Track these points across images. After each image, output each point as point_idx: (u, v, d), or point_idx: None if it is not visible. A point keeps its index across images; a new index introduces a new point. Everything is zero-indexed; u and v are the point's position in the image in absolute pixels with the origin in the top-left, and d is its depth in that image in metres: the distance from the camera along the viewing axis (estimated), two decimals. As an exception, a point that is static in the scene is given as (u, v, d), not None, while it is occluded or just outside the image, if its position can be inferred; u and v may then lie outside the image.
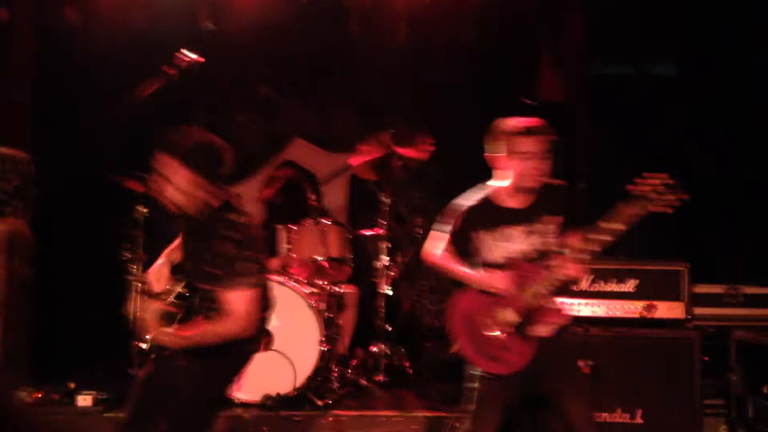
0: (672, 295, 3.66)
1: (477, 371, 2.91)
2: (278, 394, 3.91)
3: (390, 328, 4.74)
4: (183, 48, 2.25)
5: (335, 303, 4.52)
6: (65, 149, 5.05)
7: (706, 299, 3.94)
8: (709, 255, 4.60)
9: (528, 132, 2.88)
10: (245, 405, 3.89)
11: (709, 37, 4.95)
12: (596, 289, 3.60)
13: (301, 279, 4.36)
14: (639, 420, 3.48)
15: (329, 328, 4.33)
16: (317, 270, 4.59)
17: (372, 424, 3.87)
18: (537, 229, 2.93)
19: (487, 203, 2.99)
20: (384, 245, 4.76)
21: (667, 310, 3.63)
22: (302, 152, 5.86)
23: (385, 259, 4.76)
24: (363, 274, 5.07)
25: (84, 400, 3.88)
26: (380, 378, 4.50)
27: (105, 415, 3.81)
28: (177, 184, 2.70)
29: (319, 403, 4.01)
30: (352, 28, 5.44)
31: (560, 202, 2.99)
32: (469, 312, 2.94)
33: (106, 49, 5.08)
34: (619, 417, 3.49)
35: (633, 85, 5.40)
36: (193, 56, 2.10)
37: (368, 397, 4.27)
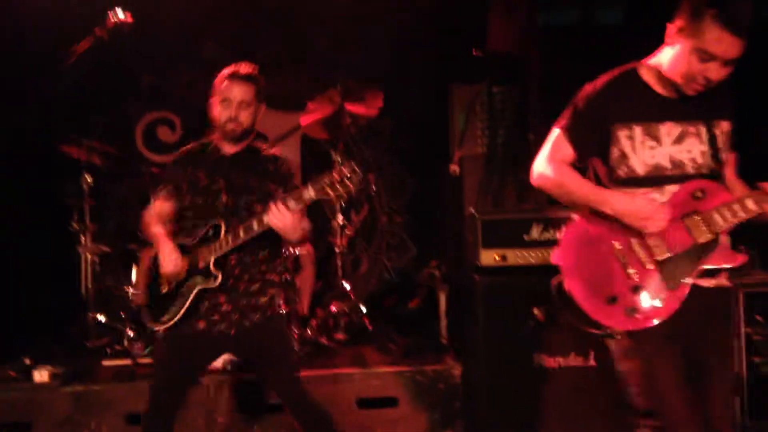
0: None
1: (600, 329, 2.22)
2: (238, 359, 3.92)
3: (348, 287, 4.76)
4: (117, 8, 2.16)
5: (292, 264, 4.50)
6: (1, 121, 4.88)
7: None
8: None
9: (730, 25, 2.08)
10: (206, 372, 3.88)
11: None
12: (546, 238, 3.63)
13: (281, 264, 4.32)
14: (592, 362, 3.57)
15: (287, 289, 4.33)
16: (272, 232, 4.56)
17: (334, 382, 3.90)
18: (700, 132, 2.25)
19: (633, 80, 2.29)
20: (338, 204, 4.74)
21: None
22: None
23: (340, 218, 4.75)
24: (319, 234, 5.06)
25: (40, 376, 3.81)
26: (341, 336, 4.53)
27: (62, 389, 3.76)
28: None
29: (280, 364, 4.01)
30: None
31: (727, 102, 2.30)
32: (595, 239, 2.25)
33: (40, 15, 4.87)
34: (573, 360, 3.57)
35: (581, 33, 5.41)
36: (122, 16, 2.02)
37: (329, 356, 4.30)
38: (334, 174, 2.58)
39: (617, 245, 2.23)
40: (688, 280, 2.19)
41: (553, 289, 2.34)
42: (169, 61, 5.55)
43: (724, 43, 2.12)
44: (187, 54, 5.53)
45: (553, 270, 3.55)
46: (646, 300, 2.18)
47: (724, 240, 2.23)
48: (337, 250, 4.74)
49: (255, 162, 3.01)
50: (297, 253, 4.57)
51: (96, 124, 5.17)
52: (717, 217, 2.18)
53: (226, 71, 2.98)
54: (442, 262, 4.73)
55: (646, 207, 2.19)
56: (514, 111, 4.93)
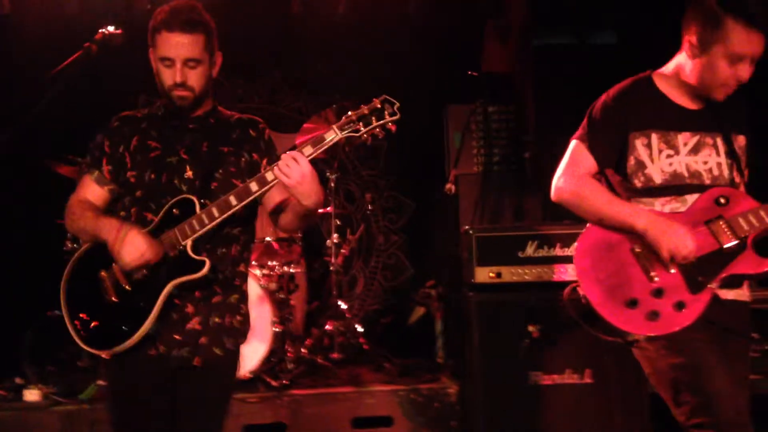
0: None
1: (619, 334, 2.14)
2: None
3: (345, 306, 4.74)
4: (110, 26, 2.17)
5: (287, 283, 4.49)
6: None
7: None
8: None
9: (752, 21, 2.09)
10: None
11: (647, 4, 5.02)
12: (541, 255, 3.63)
13: (251, 260, 4.31)
14: (588, 380, 3.54)
15: (282, 308, 4.32)
16: (267, 251, 4.54)
17: (329, 402, 3.86)
18: (717, 144, 2.23)
19: (649, 88, 2.27)
20: (334, 223, 4.74)
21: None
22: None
23: (335, 237, 4.74)
24: (315, 254, 5.05)
25: (32, 395, 3.78)
26: (336, 356, 4.50)
27: (53, 408, 3.72)
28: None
29: (275, 384, 3.98)
30: (293, 6, 5.36)
31: (742, 117, 2.30)
32: (613, 243, 2.18)
33: (38, 35, 4.92)
34: (569, 378, 3.55)
35: (575, 53, 5.46)
36: (112, 29, 2.03)
37: (325, 375, 4.26)
38: (363, 107, 2.10)
39: (637, 248, 2.16)
40: (713, 285, 2.11)
41: (567, 297, 2.26)
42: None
43: (753, 42, 2.12)
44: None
45: (549, 287, 3.57)
46: (668, 303, 2.10)
47: (750, 246, 2.14)
48: (332, 269, 4.73)
49: (225, 127, 2.34)
50: (292, 272, 4.56)
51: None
52: (742, 222, 2.12)
53: (159, 15, 2.18)
54: (439, 281, 4.72)
55: (677, 229, 2.10)
56: (510, 130, 4.95)
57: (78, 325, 2.18)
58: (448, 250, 4.61)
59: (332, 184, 4.76)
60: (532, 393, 3.52)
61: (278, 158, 2.14)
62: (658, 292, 2.11)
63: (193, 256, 2.11)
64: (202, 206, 2.13)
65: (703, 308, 2.09)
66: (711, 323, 2.11)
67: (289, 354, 4.26)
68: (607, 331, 2.16)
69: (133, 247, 2.07)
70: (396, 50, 5.42)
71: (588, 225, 2.28)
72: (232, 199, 2.10)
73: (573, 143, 2.33)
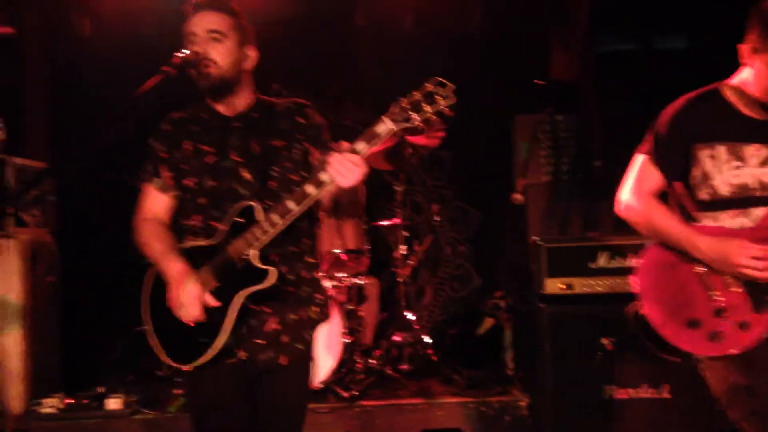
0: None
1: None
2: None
3: (413, 317, 4.74)
4: (184, 49, 2.25)
5: (356, 295, 4.53)
6: (82, 157, 5.11)
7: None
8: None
9: None
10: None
11: (717, 5, 4.88)
12: (614, 266, 3.56)
13: (321, 268, 4.38)
14: (666, 394, 3.45)
15: (351, 319, 4.36)
16: (336, 263, 4.60)
17: (399, 413, 3.88)
18: None
19: (716, 100, 2.22)
20: (402, 234, 4.76)
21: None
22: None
23: (403, 249, 4.76)
24: (383, 265, 5.08)
25: (113, 404, 3.93)
26: (405, 367, 4.51)
27: (134, 417, 3.86)
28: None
29: (345, 395, 4.02)
30: (357, 20, 5.43)
31: None
32: (675, 262, 2.17)
33: (115, 56, 5.13)
34: (646, 392, 3.46)
35: (641, 59, 5.35)
36: (188, 52, 2.10)
37: (394, 387, 4.28)
38: (415, 93, 1.97)
39: (698, 268, 2.14)
40: None
41: (630, 315, 2.26)
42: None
43: None
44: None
45: (621, 298, 3.48)
46: (732, 323, 2.07)
47: None
48: (400, 280, 4.75)
49: (272, 118, 2.26)
50: (361, 283, 4.60)
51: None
52: None
53: (187, 5, 2.21)
54: (507, 292, 4.68)
55: (739, 252, 2.05)
56: (578, 138, 4.88)
57: (161, 340, 2.22)
58: (517, 261, 4.57)
59: (399, 197, 4.78)
60: (606, 407, 3.45)
61: (325, 144, 2.17)
62: (720, 312, 2.08)
63: (259, 265, 2.07)
64: (265, 210, 2.08)
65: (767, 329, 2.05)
66: None
67: (358, 365, 4.30)
68: (669, 350, 2.15)
69: (188, 301, 2.09)
70: (461, 61, 5.41)
71: (650, 243, 2.26)
72: (292, 204, 2.03)
73: (639, 158, 2.30)
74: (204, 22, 2.15)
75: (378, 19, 5.45)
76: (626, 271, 3.55)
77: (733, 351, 2.06)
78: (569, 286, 3.58)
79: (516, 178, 4.89)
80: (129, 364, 4.67)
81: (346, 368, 4.22)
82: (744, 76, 2.21)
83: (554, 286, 3.59)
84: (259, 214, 2.07)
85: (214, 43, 2.15)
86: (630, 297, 3.47)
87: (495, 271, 5.44)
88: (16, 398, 3.94)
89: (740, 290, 2.08)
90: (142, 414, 3.88)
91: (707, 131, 2.18)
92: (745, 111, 2.20)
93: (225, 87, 2.20)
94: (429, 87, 1.96)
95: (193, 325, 2.12)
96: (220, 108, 2.26)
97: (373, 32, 5.47)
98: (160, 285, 2.20)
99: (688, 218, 2.24)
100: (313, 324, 2.27)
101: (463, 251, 5.69)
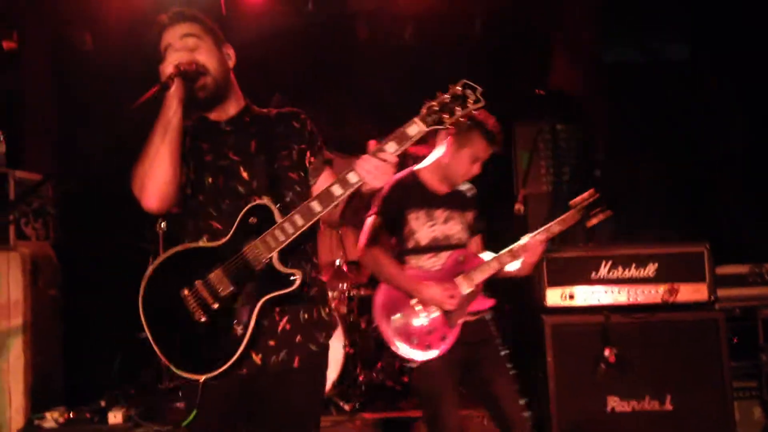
0: (694, 277, 3.56)
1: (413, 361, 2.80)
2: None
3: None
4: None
5: (357, 306, 4.52)
6: (83, 169, 5.12)
7: (730, 280, 3.85)
8: (730, 234, 4.52)
9: (492, 140, 2.91)
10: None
11: (720, 15, 4.88)
12: (616, 276, 3.55)
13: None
14: (668, 406, 3.43)
15: (352, 331, 4.35)
16: (337, 274, 4.60)
17: (401, 426, 3.86)
18: (456, 216, 2.95)
19: (416, 182, 2.95)
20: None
21: (689, 292, 3.55)
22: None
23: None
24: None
25: (115, 417, 3.93)
26: (406, 379, 4.49)
27: (136, 430, 3.85)
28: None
29: (346, 407, 4.01)
30: (359, 31, 5.45)
31: (474, 200, 3.09)
32: (393, 297, 2.87)
33: (117, 70, 5.15)
34: (648, 404, 3.44)
35: (645, 70, 5.34)
36: (183, 61, 2.08)
37: (395, 399, 4.27)
38: (444, 95, 1.96)
39: (414, 302, 2.87)
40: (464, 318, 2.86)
41: (372, 332, 3.01)
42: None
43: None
44: (255, 103, 5.71)
45: (624, 309, 3.48)
46: (437, 338, 2.83)
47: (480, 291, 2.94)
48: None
49: (266, 122, 2.24)
50: (363, 294, 4.59)
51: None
52: (477, 275, 2.89)
53: (155, 26, 2.17)
54: (508, 302, 4.65)
55: (441, 294, 2.82)
56: (579, 148, 4.88)
57: (167, 349, 2.04)
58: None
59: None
60: (609, 419, 3.44)
61: (320, 149, 2.22)
62: (432, 332, 2.82)
63: (282, 269, 1.98)
64: (281, 211, 2.01)
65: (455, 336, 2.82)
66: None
67: (359, 377, 4.28)
68: (399, 358, 2.87)
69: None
70: (461, 71, 5.41)
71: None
72: (315, 205, 1.97)
73: (369, 219, 2.90)
74: (176, 31, 2.11)
75: (379, 29, 5.46)
76: (629, 281, 3.56)
77: (439, 354, 2.78)
78: (571, 297, 3.57)
79: (517, 187, 4.89)
80: (129, 377, 4.66)
81: (347, 380, 4.21)
82: (435, 159, 2.95)
83: (555, 296, 3.59)
84: (276, 215, 1.99)
85: (193, 47, 2.11)
86: (635, 308, 3.50)
87: (495, 281, 5.42)
88: (17, 412, 3.93)
89: (439, 314, 2.84)
90: (144, 427, 3.86)
91: (411, 202, 2.89)
92: (435, 187, 2.95)
93: (219, 94, 2.17)
94: (458, 89, 1.98)
95: (204, 332, 1.99)
96: (212, 116, 2.22)
97: (374, 42, 5.48)
98: (157, 289, 2.10)
99: (401, 260, 2.91)
100: (325, 326, 2.18)
101: (464, 261, 5.67)
